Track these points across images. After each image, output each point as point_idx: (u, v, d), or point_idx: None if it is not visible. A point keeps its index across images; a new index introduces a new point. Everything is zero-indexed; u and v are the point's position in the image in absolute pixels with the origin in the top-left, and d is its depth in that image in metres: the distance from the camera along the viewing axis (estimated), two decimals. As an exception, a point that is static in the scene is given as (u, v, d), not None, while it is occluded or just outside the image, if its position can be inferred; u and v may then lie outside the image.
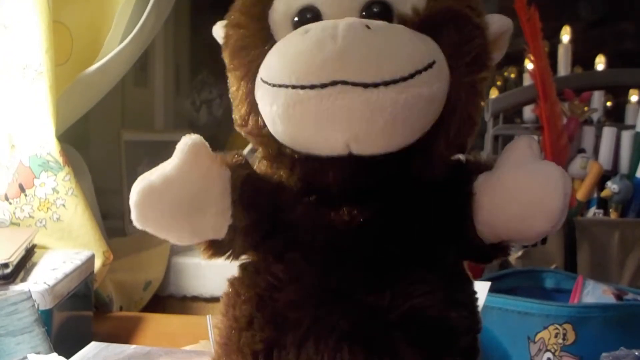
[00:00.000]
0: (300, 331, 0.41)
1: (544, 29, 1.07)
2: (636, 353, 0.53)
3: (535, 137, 1.13)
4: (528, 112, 1.27)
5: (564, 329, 0.62)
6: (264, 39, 0.43)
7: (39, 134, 0.86)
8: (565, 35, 1.27)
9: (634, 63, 1.61)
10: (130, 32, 0.96)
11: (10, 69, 0.86)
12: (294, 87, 0.38)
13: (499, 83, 1.69)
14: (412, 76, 0.38)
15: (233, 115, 0.46)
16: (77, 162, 0.95)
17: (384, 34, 0.39)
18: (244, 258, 0.46)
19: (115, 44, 0.96)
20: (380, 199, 0.43)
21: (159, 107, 1.51)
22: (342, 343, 0.40)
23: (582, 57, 1.43)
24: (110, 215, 1.06)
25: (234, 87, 0.45)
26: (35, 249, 0.79)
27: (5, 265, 0.66)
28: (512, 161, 0.41)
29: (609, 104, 1.46)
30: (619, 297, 0.71)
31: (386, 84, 0.38)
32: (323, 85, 0.37)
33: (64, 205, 0.86)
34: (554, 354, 0.62)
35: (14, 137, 0.87)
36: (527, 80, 1.28)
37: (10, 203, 0.87)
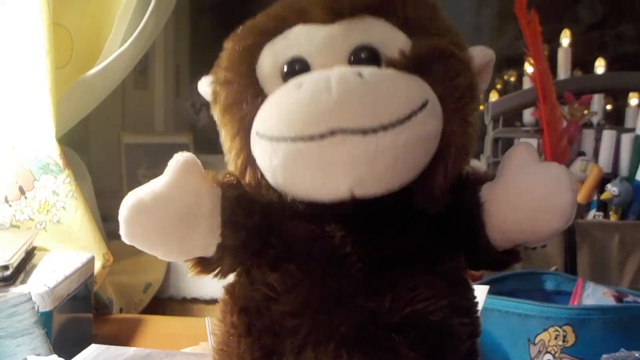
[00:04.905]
0: (299, 338, 0.41)
1: (544, 32, 1.07)
2: (637, 355, 0.53)
3: (535, 141, 1.14)
4: (528, 115, 1.26)
5: (564, 331, 0.62)
6: (254, 94, 0.43)
7: (39, 137, 0.86)
8: (565, 39, 1.27)
9: (633, 66, 1.60)
10: (131, 35, 0.96)
11: (10, 71, 0.86)
12: (293, 139, 0.38)
13: (498, 86, 1.69)
14: (408, 118, 0.38)
15: (228, 167, 0.45)
16: (77, 164, 0.95)
17: (377, 79, 0.39)
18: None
19: (116, 47, 0.96)
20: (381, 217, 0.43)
21: (159, 110, 1.51)
22: (341, 349, 0.40)
23: (581, 60, 1.43)
24: (110, 217, 1.05)
25: (228, 142, 0.45)
26: (35, 251, 0.79)
27: (5, 267, 0.66)
28: (514, 166, 0.42)
29: (608, 107, 1.45)
30: (619, 299, 0.71)
31: (384, 128, 0.37)
32: (322, 136, 0.37)
33: (64, 208, 0.86)
34: (554, 355, 0.62)
35: (14, 140, 0.87)
36: (526, 84, 1.28)
37: (10, 205, 0.87)
